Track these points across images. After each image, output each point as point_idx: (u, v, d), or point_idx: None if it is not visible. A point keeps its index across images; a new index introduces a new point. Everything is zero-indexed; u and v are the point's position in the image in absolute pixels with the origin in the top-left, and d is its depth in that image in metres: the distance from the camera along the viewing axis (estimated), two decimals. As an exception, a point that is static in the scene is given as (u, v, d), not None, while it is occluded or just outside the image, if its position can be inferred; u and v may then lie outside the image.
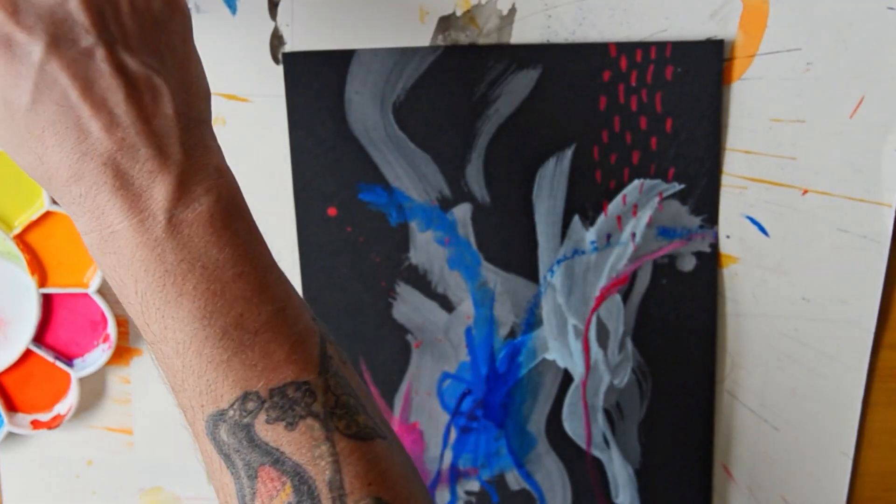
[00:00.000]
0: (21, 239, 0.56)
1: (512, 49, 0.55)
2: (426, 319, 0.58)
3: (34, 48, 0.38)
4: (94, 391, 0.60)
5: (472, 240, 0.57)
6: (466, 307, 0.58)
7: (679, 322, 0.58)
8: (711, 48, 0.54)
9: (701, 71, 0.54)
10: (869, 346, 0.57)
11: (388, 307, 0.58)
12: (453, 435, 0.60)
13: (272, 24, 0.55)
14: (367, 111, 0.55)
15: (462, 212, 0.57)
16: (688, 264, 0.57)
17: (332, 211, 0.57)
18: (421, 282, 0.58)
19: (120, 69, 0.39)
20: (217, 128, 0.56)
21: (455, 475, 0.61)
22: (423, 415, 0.60)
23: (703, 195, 0.56)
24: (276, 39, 0.55)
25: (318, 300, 0.58)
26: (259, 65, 0.55)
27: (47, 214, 0.56)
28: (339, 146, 0.56)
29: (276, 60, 0.55)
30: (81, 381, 0.59)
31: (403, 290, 0.58)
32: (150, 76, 0.39)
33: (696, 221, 0.57)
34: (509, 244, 0.57)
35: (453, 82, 0.55)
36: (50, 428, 0.59)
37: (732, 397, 0.59)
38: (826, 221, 0.56)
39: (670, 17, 0.54)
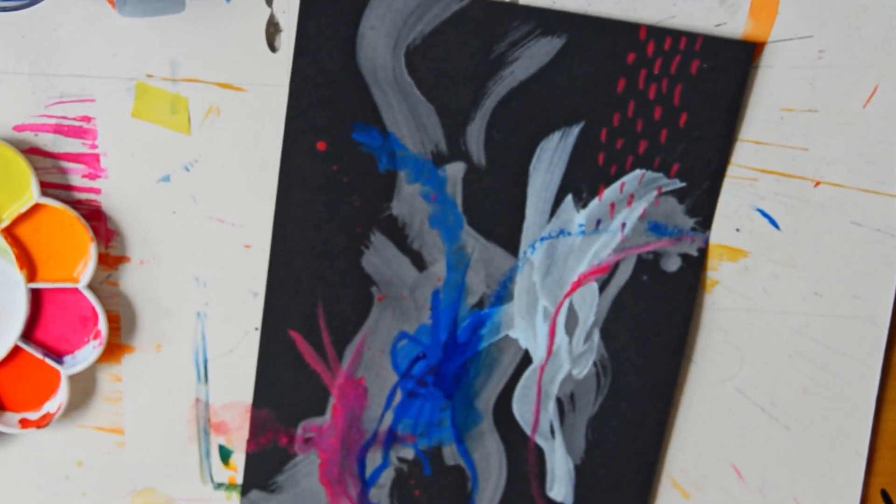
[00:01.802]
0: (9, 232, 0.56)
1: (541, 13, 0.54)
2: (395, 274, 0.58)
3: None
4: (84, 389, 0.60)
5: (459, 201, 0.57)
6: (439, 269, 0.58)
7: (652, 322, 0.58)
8: (742, 49, 0.54)
9: (727, 71, 0.54)
10: (883, 343, 0.57)
11: (359, 255, 0.58)
12: (398, 397, 0.60)
13: (268, 11, 0.55)
14: (378, 49, 0.55)
15: (455, 170, 0.57)
16: (672, 265, 0.57)
17: (321, 145, 0.56)
18: (398, 234, 0.57)
19: None
20: (212, 118, 0.56)
21: (391, 439, 0.60)
22: (372, 371, 0.60)
23: (702, 197, 0.56)
24: (273, 27, 0.55)
25: (288, 235, 0.57)
26: (255, 53, 0.55)
27: (36, 207, 0.56)
28: (342, 80, 0.55)
29: (272, 48, 0.55)
30: (71, 378, 0.59)
31: (378, 239, 0.57)
32: None
33: (689, 222, 0.57)
34: (496, 212, 0.57)
35: (473, 36, 0.55)
36: (39, 427, 0.58)
37: (742, 395, 0.59)
38: (839, 214, 0.56)
39: (678, 2, 0.54)
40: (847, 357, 0.58)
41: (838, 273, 0.57)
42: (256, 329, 0.59)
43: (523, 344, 0.59)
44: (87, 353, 0.58)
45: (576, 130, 0.56)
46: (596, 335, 0.59)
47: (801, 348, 0.58)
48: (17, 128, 0.56)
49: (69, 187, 0.57)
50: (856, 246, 0.56)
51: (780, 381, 0.58)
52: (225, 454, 0.61)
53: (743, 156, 0.56)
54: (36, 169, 0.56)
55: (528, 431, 0.60)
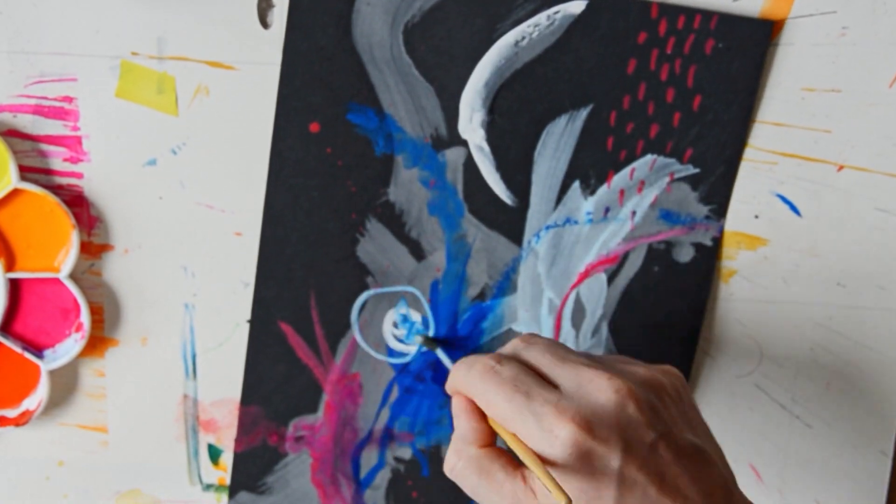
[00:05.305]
0: (-14, 219, 0.56)
1: None
2: (392, 264, 0.58)
3: (613, 457, 0.44)
4: (65, 385, 0.59)
5: (460, 187, 0.56)
6: (438, 258, 0.58)
7: (663, 316, 0.58)
8: (760, 28, 0.54)
9: (744, 51, 0.54)
10: (910, 336, 0.58)
11: (354, 243, 0.57)
12: (395, 394, 0.59)
13: (260, -15, 0.55)
14: (375, 26, 0.54)
15: (455, 155, 0.56)
16: (685, 255, 0.57)
17: (314, 127, 0.56)
18: (395, 222, 0.57)
19: (679, 453, 0.45)
20: (200, 98, 0.56)
21: (387, 438, 0.60)
22: (367, 367, 0.59)
23: (716, 184, 0.56)
24: (264, 2, 0.55)
25: (279, 222, 0.57)
26: (245, 29, 0.55)
27: (15, 192, 0.55)
28: (337, 58, 0.55)
29: (263, 25, 0.55)
30: (52, 373, 0.58)
31: (374, 227, 0.57)
32: (701, 449, 0.46)
33: (703, 210, 0.57)
34: (499, 199, 0.57)
35: (476, 14, 0.54)
36: (18, 425, 0.58)
37: (761, 391, 0.59)
38: (863, 200, 0.56)
39: (694, -24, 0.54)
40: (872, 351, 0.58)
41: (863, 262, 0.57)
42: (248, 321, 0.58)
43: (528, 338, 0.59)
44: (68, 347, 0.58)
45: (583, 114, 0.56)
46: (604, 329, 0.58)
47: (824, 341, 0.58)
48: (-5, 108, 0.56)
49: (50, 171, 0.57)
50: (881, 233, 0.56)
51: (802, 377, 0.58)
52: (214, 454, 0.60)
53: (762, 138, 0.56)
54: (14, 152, 0.56)
55: None
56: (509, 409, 0.46)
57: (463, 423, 0.48)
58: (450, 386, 0.50)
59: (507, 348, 0.49)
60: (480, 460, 0.47)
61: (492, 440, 0.48)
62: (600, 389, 0.45)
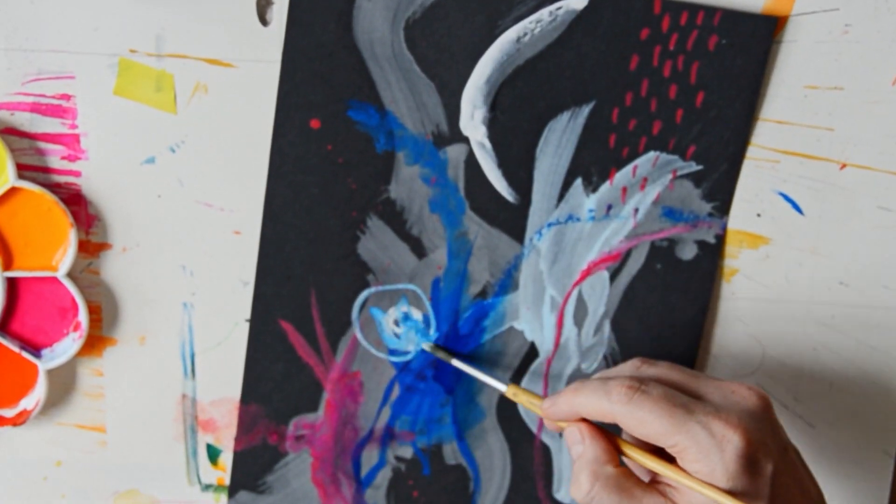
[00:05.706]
0: (-16, 217, 0.56)
1: None
2: (393, 261, 0.57)
3: (768, 460, 0.47)
4: (63, 384, 0.59)
5: (461, 184, 0.56)
6: (439, 256, 0.57)
7: (665, 313, 0.58)
8: (763, 24, 0.54)
9: (747, 47, 0.54)
10: (914, 335, 0.58)
11: (355, 241, 0.57)
12: (396, 392, 0.59)
13: (259, -18, 0.55)
14: (376, 22, 0.54)
15: (456, 152, 0.56)
16: (688, 252, 0.57)
17: (315, 123, 0.56)
18: (396, 219, 0.57)
19: (797, 454, 0.51)
20: (199, 96, 0.55)
21: (388, 437, 0.60)
22: (368, 365, 0.59)
23: (719, 181, 0.56)
24: (264, 0, 0.54)
25: (279, 219, 0.57)
26: (245, 27, 0.55)
27: (13, 190, 0.55)
28: (338, 54, 0.55)
29: (263, 22, 0.55)
30: (50, 373, 0.58)
31: (375, 224, 0.57)
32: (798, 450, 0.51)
33: (706, 208, 0.56)
34: (500, 197, 0.56)
35: (477, 10, 0.54)
36: (15, 425, 0.58)
37: (763, 391, 0.58)
38: (866, 198, 0.56)
39: (696, -28, 0.54)
40: (875, 350, 0.58)
41: (866, 261, 0.57)
42: (247, 320, 0.58)
43: (529, 336, 0.59)
44: (66, 346, 0.58)
45: (585, 111, 0.55)
46: (606, 327, 0.58)
47: (827, 341, 0.58)
48: (-7, 106, 0.56)
49: (47, 170, 0.57)
50: (884, 232, 0.56)
51: (804, 376, 0.58)
52: (213, 454, 0.60)
53: (764, 136, 0.56)
54: (12, 150, 0.56)
55: (534, 429, 0.60)
56: (670, 423, 0.47)
57: (595, 445, 0.50)
58: (568, 413, 0.51)
59: (628, 371, 0.51)
60: (618, 479, 0.49)
61: (618, 461, 0.50)
62: (745, 398, 0.49)
